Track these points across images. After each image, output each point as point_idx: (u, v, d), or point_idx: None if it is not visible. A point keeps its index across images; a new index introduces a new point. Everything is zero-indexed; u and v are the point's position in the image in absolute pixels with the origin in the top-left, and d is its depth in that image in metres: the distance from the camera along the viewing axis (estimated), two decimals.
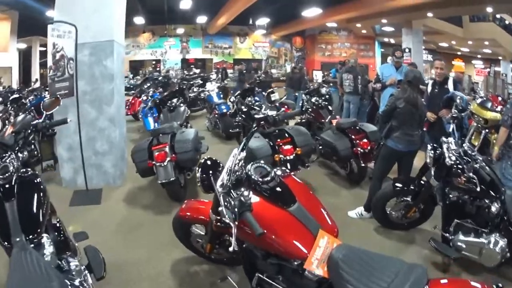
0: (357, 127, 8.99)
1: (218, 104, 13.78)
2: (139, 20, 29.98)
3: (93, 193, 8.27)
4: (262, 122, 8.12)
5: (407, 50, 25.65)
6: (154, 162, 7.29)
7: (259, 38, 39.78)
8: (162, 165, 7.22)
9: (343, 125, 9.09)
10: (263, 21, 31.50)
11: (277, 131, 8.03)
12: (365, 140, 8.55)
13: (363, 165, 8.55)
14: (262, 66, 39.22)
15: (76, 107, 8.00)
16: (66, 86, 7.77)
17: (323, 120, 11.05)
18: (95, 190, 8.38)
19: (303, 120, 11.81)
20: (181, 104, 12.00)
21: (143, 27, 36.02)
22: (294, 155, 7.60)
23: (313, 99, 11.98)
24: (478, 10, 22.72)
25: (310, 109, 11.59)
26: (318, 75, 25.13)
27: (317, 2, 22.77)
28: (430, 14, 23.96)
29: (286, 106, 12.50)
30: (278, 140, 7.75)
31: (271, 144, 7.68)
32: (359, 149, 8.44)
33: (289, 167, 7.33)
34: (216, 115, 13.74)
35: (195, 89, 18.24)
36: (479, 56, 39.96)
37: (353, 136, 8.66)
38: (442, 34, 30.08)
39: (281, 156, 7.50)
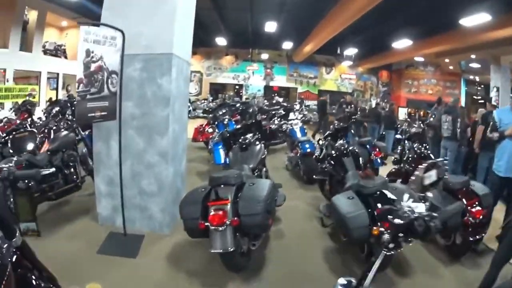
0: (469, 188, 6.87)
1: (301, 142, 11.94)
2: (221, 41, 29.05)
3: (131, 240, 6.68)
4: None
5: (495, 89, 24.12)
6: (208, 224, 5.39)
7: (345, 70, 37.85)
8: (219, 229, 5.31)
9: (453, 185, 6.98)
10: (351, 51, 29.57)
11: (378, 192, 5.88)
12: (478, 208, 6.52)
13: (471, 239, 6.49)
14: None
15: (119, 134, 6.32)
16: (104, 107, 6.01)
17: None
18: (135, 236, 6.77)
19: (395, 169, 9.99)
20: (257, 142, 9.42)
21: (226, 49, 34.79)
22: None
23: (415, 146, 9.81)
24: None
25: (411, 159, 9.45)
26: (401, 113, 23.13)
27: (407, 33, 21.46)
28: None
29: (377, 149, 10.81)
30: (379, 205, 5.50)
31: (369, 210, 5.60)
32: (470, 218, 6.43)
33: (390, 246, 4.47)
34: (298, 154, 11.94)
35: (276, 121, 16.32)
36: None
37: (464, 201, 6.59)
38: None
39: (381, 229, 4.88)
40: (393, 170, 10.02)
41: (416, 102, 34.74)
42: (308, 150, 11.46)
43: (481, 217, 6.40)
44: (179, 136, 7.38)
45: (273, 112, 18.33)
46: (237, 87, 37.54)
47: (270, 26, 22.20)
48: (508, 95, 22.99)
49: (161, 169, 6.82)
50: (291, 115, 16.78)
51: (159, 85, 6.49)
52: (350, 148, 8.84)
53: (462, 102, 32.50)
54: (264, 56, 36.22)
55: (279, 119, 17.09)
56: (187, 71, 7.59)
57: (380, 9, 15.80)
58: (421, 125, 17.59)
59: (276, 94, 32.39)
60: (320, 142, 10.82)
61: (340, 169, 8.16)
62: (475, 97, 34.17)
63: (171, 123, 6.75)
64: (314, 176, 10.06)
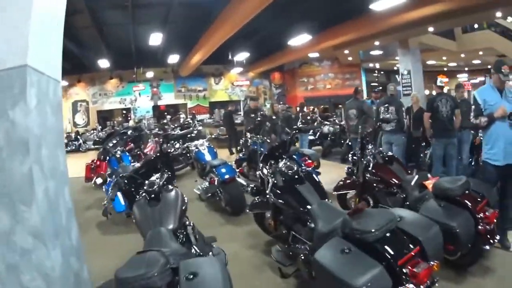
0: (472, 190, 5.76)
1: (216, 167, 9.75)
2: (105, 63, 26.17)
3: None
4: None
5: (405, 72, 23.15)
6: None
7: (235, 77, 36.24)
8: None
9: (452, 191, 5.55)
10: (242, 56, 27.44)
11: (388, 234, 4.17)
12: (490, 211, 5.50)
13: (485, 247, 5.53)
14: (241, 108, 35.19)
15: None
16: None
17: (397, 182, 6.84)
18: None
19: (346, 180, 8.20)
20: (170, 186, 5.99)
21: (110, 72, 32.26)
22: None
23: (371, 148, 7.66)
24: (486, 17, 20.36)
25: (371, 167, 7.29)
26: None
27: (305, 28, 19.57)
28: (431, 29, 21.51)
29: (307, 158, 10.02)
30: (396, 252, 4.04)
31: (383, 263, 3.88)
32: (486, 226, 5.39)
33: None
34: (215, 183, 9.61)
35: (177, 144, 13.84)
36: (466, 69, 39.27)
37: (471, 206, 5.46)
38: (434, 51, 27.99)
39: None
40: (343, 181, 8.23)
41: (315, 99, 33.56)
42: (227, 176, 9.39)
43: (495, 220, 5.51)
44: (58, 198, 4.33)
45: (171, 133, 16.05)
46: (124, 111, 35.21)
47: (155, 39, 19.71)
48: (420, 77, 23.03)
49: (40, 256, 3.88)
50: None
51: (11, 120, 3.65)
52: (303, 170, 6.35)
53: (364, 92, 31.86)
54: (149, 74, 33.59)
55: (179, 141, 15.02)
56: (57, 94, 4.69)
57: (274, 6, 14.24)
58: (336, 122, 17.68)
59: (166, 113, 30.30)
60: (264, 170, 7.23)
61: (294, 201, 5.73)
62: (373, 84, 33.19)
63: (39, 181, 3.83)
64: (248, 210, 7.50)
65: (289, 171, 6.11)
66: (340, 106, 29.75)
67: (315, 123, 18.66)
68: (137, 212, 5.41)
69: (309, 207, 5.34)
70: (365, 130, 8.70)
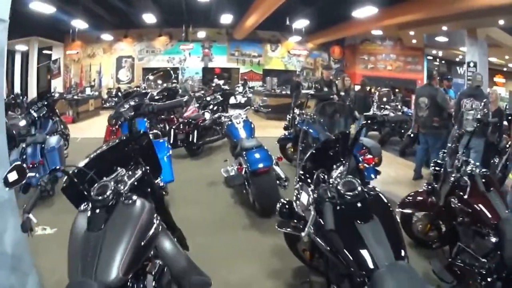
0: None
1: (247, 150, 7.75)
2: (152, 19, 24.98)
3: None
4: None
5: (471, 64, 21.45)
6: None
7: (293, 46, 34.15)
8: None
9: None
10: (301, 24, 25.40)
11: None
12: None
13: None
14: (301, 78, 32.41)
15: None
16: None
17: (493, 221, 4.56)
18: None
19: (417, 197, 6.37)
20: (135, 197, 3.41)
21: (159, 29, 31.03)
22: None
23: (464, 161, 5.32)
24: None
25: (467, 193, 4.93)
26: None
27: (370, 0, 17.74)
28: (501, 22, 19.85)
29: (367, 151, 7.66)
30: None
31: None
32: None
33: None
34: (243, 172, 7.81)
35: (207, 113, 12.30)
36: None
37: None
38: (498, 48, 25.54)
39: None
40: (413, 197, 6.45)
41: (374, 80, 30.78)
42: (260, 165, 7.38)
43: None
44: None
45: (207, 99, 14.47)
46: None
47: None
48: (485, 72, 20.43)
49: None
50: (232, 99, 12.83)
51: None
52: (370, 192, 3.86)
53: (424, 79, 29.73)
54: (201, 34, 32.16)
55: (215, 108, 13.92)
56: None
57: None
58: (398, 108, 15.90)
59: (216, 77, 29.33)
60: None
61: (350, 256, 3.37)
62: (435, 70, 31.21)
63: None
64: (277, 227, 4.84)
65: (348, 193, 3.76)
66: (397, 90, 27.81)
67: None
68: (71, 241, 3.14)
69: (373, 269, 3.20)
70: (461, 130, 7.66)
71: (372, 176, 7.34)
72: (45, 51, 31.07)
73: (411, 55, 32.70)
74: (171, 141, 12.07)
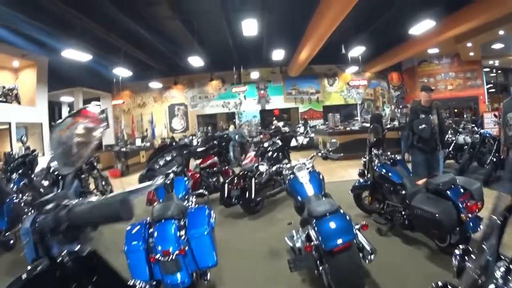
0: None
1: (318, 218, 5.33)
2: (200, 62, 23.25)
3: None
4: None
5: None
6: None
7: (351, 78, 32.10)
8: None
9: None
10: (356, 51, 23.57)
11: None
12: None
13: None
14: (358, 112, 32.26)
15: None
16: None
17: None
18: None
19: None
20: None
21: (210, 73, 30.20)
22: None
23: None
24: None
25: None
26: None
27: (426, 13, 16.55)
28: None
29: (469, 196, 6.53)
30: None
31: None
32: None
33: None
34: (312, 251, 5.45)
35: (264, 164, 10.07)
36: None
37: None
38: None
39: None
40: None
41: (439, 102, 29.40)
42: (339, 242, 5.00)
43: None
44: None
45: (265, 145, 12.51)
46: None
47: (250, 28, 16.34)
48: None
49: None
50: (293, 142, 11.22)
51: None
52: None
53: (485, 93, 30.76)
54: (255, 75, 30.81)
55: (274, 155, 11.98)
56: None
57: None
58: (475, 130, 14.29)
59: (275, 118, 27.36)
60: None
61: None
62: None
63: None
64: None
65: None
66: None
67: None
68: None
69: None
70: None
71: (476, 222, 6.20)
72: (95, 102, 29.92)
73: (469, 70, 31.54)
74: (224, 199, 10.24)
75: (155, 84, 29.63)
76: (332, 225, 5.19)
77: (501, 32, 22.33)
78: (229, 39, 21.40)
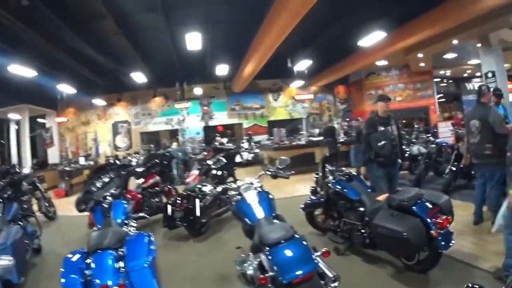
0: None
1: (271, 246, 4.74)
2: (143, 79, 22.89)
3: None
4: None
5: (489, 74, 19.90)
6: None
7: (296, 92, 31.75)
8: None
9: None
10: (303, 65, 23.18)
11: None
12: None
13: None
14: (303, 126, 31.90)
15: None
16: None
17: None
18: None
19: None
20: None
21: (154, 90, 29.57)
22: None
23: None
24: None
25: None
26: None
27: (376, 25, 16.21)
28: None
29: (437, 209, 6.27)
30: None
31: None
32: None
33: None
34: (265, 283, 4.63)
35: (207, 186, 9.66)
36: None
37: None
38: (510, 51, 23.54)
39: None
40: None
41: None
42: (299, 273, 4.41)
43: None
44: None
45: (209, 163, 12.03)
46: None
47: (194, 41, 15.88)
48: (504, 80, 19.67)
49: None
50: (237, 158, 12.34)
51: None
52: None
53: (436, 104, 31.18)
54: (198, 91, 30.21)
55: (219, 173, 11.65)
56: None
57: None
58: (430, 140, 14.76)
59: (218, 135, 26.77)
60: None
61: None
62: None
63: None
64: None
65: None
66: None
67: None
68: None
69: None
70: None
71: (447, 239, 5.98)
72: (40, 120, 29.67)
73: (419, 80, 31.43)
74: (167, 220, 9.70)
75: (99, 101, 28.79)
76: (289, 253, 4.62)
77: (455, 42, 22.49)
78: (173, 54, 20.94)
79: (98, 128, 30.58)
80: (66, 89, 22.26)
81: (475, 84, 32.26)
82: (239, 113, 32.24)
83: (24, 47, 15.68)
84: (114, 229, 5.90)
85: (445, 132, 16.85)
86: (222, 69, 22.62)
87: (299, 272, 4.40)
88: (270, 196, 6.13)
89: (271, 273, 4.59)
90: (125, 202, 7.53)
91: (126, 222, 6.92)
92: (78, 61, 19.80)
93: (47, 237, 9.94)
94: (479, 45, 20.46)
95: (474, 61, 26.15)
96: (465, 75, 31.76)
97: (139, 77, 22.05)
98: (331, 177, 7.88)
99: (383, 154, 8.54)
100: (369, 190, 7.62)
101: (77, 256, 5.21)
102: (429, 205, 6.14)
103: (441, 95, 33.31)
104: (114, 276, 4.84)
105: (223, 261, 7.65)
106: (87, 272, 5.00)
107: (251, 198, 5.93)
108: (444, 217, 5.95)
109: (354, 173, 7.99)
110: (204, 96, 31.16)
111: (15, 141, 27.18)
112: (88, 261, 5.10)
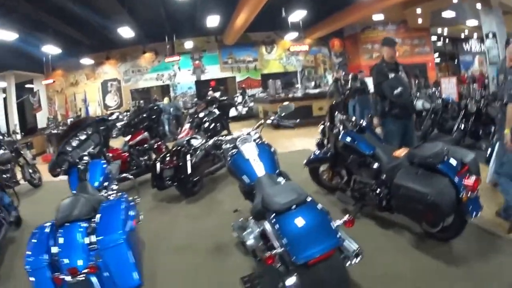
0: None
1: (280, 212, 3.59)
2: (132, 34, 21.81)
3: None
4: None
5: (490, 35, 19.61)
6: None
7: (290, 45, 30.21)
8: None
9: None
10: (297, 16, 22.16)
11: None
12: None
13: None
14: (298, 80, 31.10)
15: None
16: None
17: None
18: None
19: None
20: None
21: (143, 46, 28.54)
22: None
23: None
24: None
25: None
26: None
27: None
28: None
29: (467, 170, 5.26)
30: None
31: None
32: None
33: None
34: (272, 262, 3.57)
35: (198, 138, 8.61)
36: None
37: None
38: (509, 15, 22.59)
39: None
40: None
41: None
42: (318, 251, 3.30)
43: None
44: None
45: (200, 115, 10.98)
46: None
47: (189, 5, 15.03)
48: (503, 41, 18.13)
49: None
50: (232, 111, 11.01)
51: None
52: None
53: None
54: (189, 44, 28.97)
55: (211, 126, 10.49)
56: None
57: None
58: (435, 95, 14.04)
59: (211, 89, 26.30)
60: None
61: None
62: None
63: None
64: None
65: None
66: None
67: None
68: None
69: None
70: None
71: (477, 205, 5.00)
72: (28, 85, 28.58)
73: (417, 36, 30.83)
74: (156, 180, 8.69)
75: (87, 61, 27.87)
76: (303, 224, 3.48)
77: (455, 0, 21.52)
78: (161, 6, 19.91)
79: (87, 88, 29.60)
80: (51, 50, 21.36)
81: (472, 45, 32.15)
82: (232, 67, 31.30)
83: (2, 9, 14.83)
84: (87, 195, 4.94)
85: (449, 88, 16.12)
86: (213, 21, 21.68)
87: (317, 249, 3.30)
88: (272, 149, 5.14)
89: (279, 250, 3.52)
90: (105, 162, 6.55)
91: (106, 185, 6.03)
92: (62, 20, 18.93)
93: (29, 207, 9.06)
94: (479, 4, 19.85)
95: (472, 22, 25.84)
96: (463, 35, 31.48)
97: (126, 32, 20.94)
98: (341, 128, 6.76)
99: (400, 103, 7.38)
100: (384, 144, 6.56)
101: (46, 230, 4.30)
102: (456, 164, 5.08)
103: (437, 54, 32.90)
104: (85, 254, 3.91)
105: (218, 225, 6.69)
106: (55, 250, 4.02)
107: (250, 151, 4.87)
108: (474, 178, 4.88)
109: (365, 123, 6.85)
110: (195, 50, 30.17)
111: (2, 110, 26.34)
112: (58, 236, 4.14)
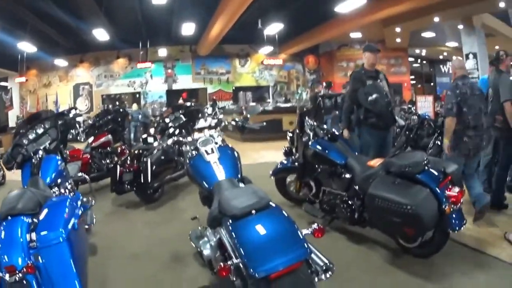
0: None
1: (238, 218, 3.24)
2: (107, 38, 21.40)
3: None
4: None
5: (471, 56, 20.28)
6: None
7: (264, 59, 30.01)
8: None
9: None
10: (273, 29, 22.01)
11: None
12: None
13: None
14: (270, 95, 31.11)
15: None
16: None
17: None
18: None
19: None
20: None
21: (117, 51, 28.29)
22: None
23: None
24: None
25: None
26: None
27: None
28: (502, 4, 17.38)
29: (449, 181, 5.07)
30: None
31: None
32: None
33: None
34: (233, 276, 3.28)
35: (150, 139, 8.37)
36: None
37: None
38: (493, 37, 23.71)
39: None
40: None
41: None
42: (281, 264, 2.88)
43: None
44: None
45: (166, 121, 10.84)
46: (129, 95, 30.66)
47: (165, 13, 14.94)
48: (486, 63, 19.07)
49: None
50: (200, 122, 9.71)
51: None
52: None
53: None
54: (163, 52, 28.82)
55: (176, 132, 9.90)
56: None
57: None
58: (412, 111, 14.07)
59: (183, 100, 25.42)
60: None
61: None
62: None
63: None
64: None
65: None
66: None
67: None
68: None
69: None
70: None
71: (460, 219, 4.81)
72: (2, 83, 28.65)
73: (394, 56, 30.74)
74: (115, 184, 8.29)
75: (61, 62, 27.49)
76: (264, 231, 3.11)
77: (436, 19, 21.54)
78: (138, 10, 19.69)
79: (59, 90, 29.21)
80: (27, 47, 20.95)
81: (450, 67, 32.14)
82: (204, 78, 31.12)
83: None
84: (37, 190, 4.51)
85: (424, 107, 16.17)
86: (188, 28, 21.33)
87: (281, 261, 2.89)
88: (235, 153, 4.79)
89: (235, 261, 3.06)
90: (60, 158, 6.18)
91: (59, 182, 5.65)
92: (39, 17, 18.58)
93: None
94: (461, 26, 20.53)
95: (452, 44, 26.24)
96: (441, 57, 31.60)
97: (102, 34, 20.56)
98: (311, 135, 6.47)
99: (376, 112, 6.98)
100: (357, 154, 6.27)
101: None
102: (439, 174, 4.85)
103: (413, 76, 33.12)
104: (24, 252, 3.44)
105: (177, 234, 6.30)
106: None
107: (211, 154, 4.55)
108: (458, 189, 4.70)
109: (336, 132, 6.53)
110: (168, 58, 29.99)
111: None
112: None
